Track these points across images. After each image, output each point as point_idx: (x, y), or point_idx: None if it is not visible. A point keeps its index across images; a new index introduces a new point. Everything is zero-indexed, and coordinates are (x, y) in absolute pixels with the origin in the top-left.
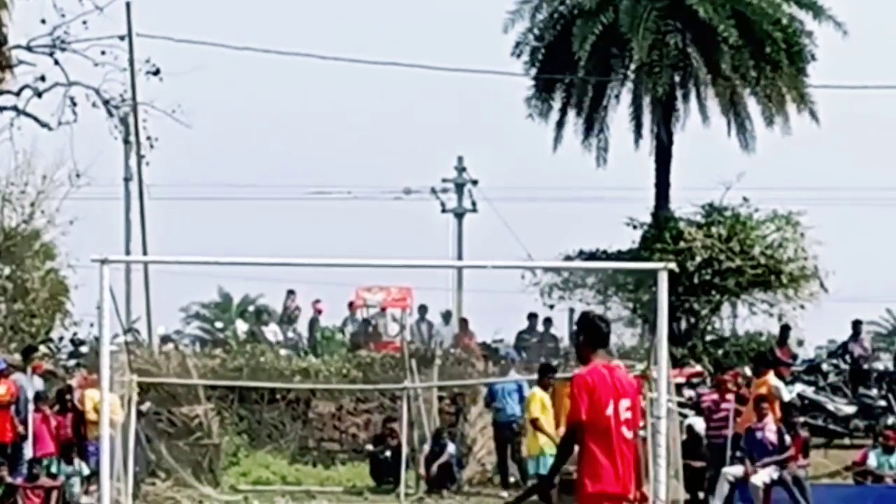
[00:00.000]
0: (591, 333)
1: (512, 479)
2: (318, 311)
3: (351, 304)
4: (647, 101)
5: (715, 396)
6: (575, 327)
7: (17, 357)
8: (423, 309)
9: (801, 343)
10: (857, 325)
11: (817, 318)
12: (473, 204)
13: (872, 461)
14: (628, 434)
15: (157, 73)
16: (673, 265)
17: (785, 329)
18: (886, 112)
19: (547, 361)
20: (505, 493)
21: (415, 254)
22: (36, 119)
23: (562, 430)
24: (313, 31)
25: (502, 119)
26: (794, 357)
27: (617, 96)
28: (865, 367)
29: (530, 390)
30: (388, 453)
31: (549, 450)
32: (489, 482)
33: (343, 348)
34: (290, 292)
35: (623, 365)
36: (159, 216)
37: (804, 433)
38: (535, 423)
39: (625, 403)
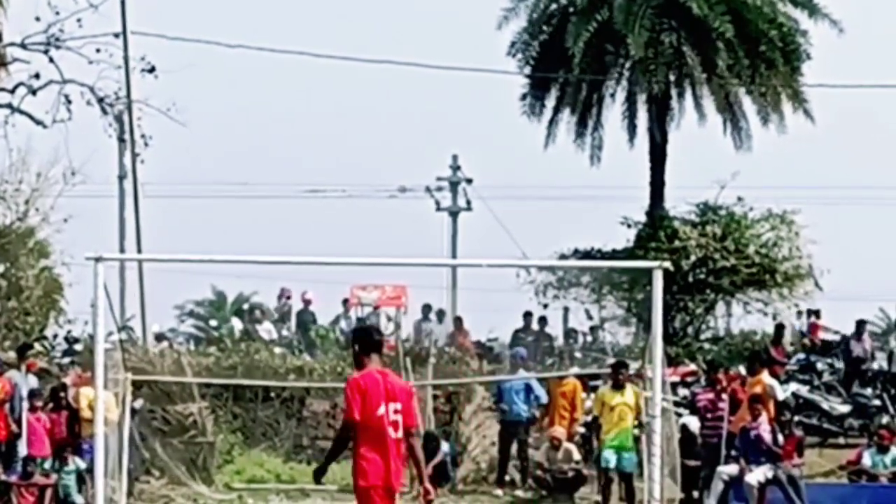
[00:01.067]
0: (364, 342)
1: (507, 479)
2: (307, 302)
3: (346, 302)
4: (641, 99)
5: (710, 395)
6: (352, 337)
7: (12, 355)
8: (426, 308)
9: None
10: (860, 324)
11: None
12: (468, 202)
13: (867, 460)
14: (395, 434)
15: (151, 70)
16: (667, 264)
17: (779, 328)
18: (882, 111)
19: (621, 359)
20: (499, 492)
21: (409, 252)
22: (30, 116)
23: (558, 428)
24: (308, 29)
25: (497, 118)
26: (789, 356)
27: (612, 94)
28: (864, 367)
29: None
30: None
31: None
32: (483, 481)
33: (337, 346)
34: (284, 290)
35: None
36: (154, 214)
37: (799, 432)
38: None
39: (394, 406)
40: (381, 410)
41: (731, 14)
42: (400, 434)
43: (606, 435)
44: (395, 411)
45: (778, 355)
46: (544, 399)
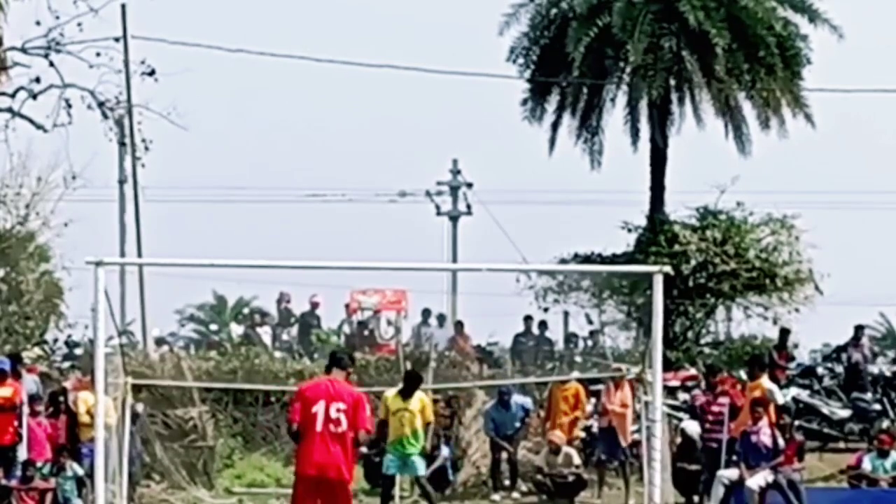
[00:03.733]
0: (329, 360)
1: (507, 483)
2: (314, 305)
3: (346, 307)
4: (642, 104)
5: (709, 399)
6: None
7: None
8: (426, 313)
9: (795, 346)
10: (858, 329)
11: (812, 321)
12: (468, 207)
13: (867, 465)
14: (335, 429)
15: (152, 74)
16: (668, 268)
17: (784, 333)
18: (882, 115)
19: (412, 371)
20: (496, 497)
21: (409, 256)
22: (31, 121)
23: (557, 433)
24: (308, 33)
25: (497, 122)
26: (792, 359)
27: (612, 99)
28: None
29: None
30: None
31: None
32: (483, 485)
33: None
34: (283, 294)
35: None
36: (154, 218)
37: (799, 437)
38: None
39: (336, 405)
40: (317, 408)
41: (731, 20)
42: (343, 429)
43: (389, 440)
44: (338, 410)
45: (782, 360)
46: (529, 405)
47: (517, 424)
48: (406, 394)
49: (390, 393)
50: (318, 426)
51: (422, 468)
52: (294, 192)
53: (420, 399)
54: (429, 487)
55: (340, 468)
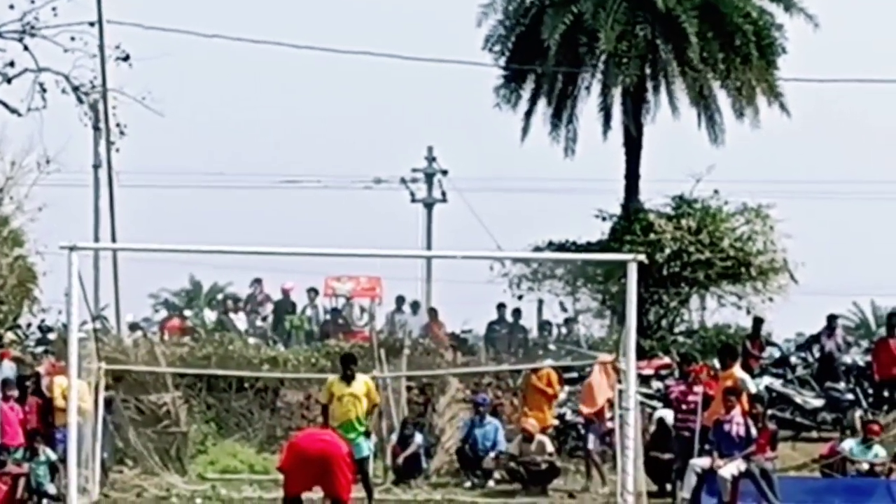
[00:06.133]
0: None
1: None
2: (286, 292)
3: (310, 292)
4: (616, 92)
5: (681, 387)
6: None
7: None
8: (400, 300)
9: (769, 337)
10: (831, 319)
11: (785, 311)
12: (443, 194)
13: (847, 446)
14: None
15: (127, 59)
16: (642, 257)
17: (757, 322)
18: (857, 106)
19: (349, 352)
20: (468, 483)
21: (384, 243)
22: (5, 105)
23: (531, 420)
24: (284, 19)
25: (473, 109)
26: (763, 348)
27: (587, 87)
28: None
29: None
30: None
31: None
32: (457, 472)
33: (311, 337)
34: (257, 280)
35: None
36: (128, 203)
37: (772, 426)
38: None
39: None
40: None
41: (705, 8)
42: None
43: (336, 425)
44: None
45: (754, 349)
46: (501, 432)
47: (488, 444)
48: (348, 378)
49: (333, 378)
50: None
51: (366, 450)
52: (269, 178)
53: (364, 382)
54: (369, 475)
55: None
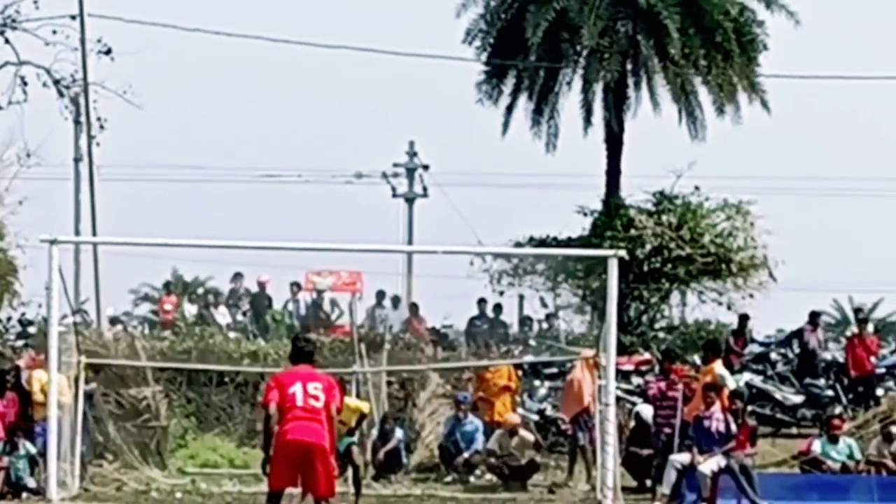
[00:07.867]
0: (294, 351)
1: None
2: (262, 285)
3: (293, 286)
4: (597, 87)
5: (663, 384)
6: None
7: None
8: (381, 294)
9: (750, 334)
10: (815, 315)
11: (765, 307)
12: (424, 189)
13: (817, 448)
14: (315, 404)
15: (108, 52)
16: (623, 253)
17: (743, 319)
18: (838, 103)
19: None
20: (449, 478)
21: (365, 238)
22: None
23: (513, 415)
24: (264, 13)
25: (454, 104)
26: (746, 345)
27: (569, 83)
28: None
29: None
30: None
31: None
32: (437, 468)
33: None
34: (238, 275)
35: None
36: (109, 197)
37: (752, 422)
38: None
39: (313, 384)
40: (294, 388)
41: (687, 4)
42: (320, 405)
43: None
44: (315, 388)
45: (738, 346)
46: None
47: (470, 443)
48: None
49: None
50: (299, 401)
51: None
52: (250, 172)
53: (357, 406)
54: (359, 469)
55: (322, 436)
